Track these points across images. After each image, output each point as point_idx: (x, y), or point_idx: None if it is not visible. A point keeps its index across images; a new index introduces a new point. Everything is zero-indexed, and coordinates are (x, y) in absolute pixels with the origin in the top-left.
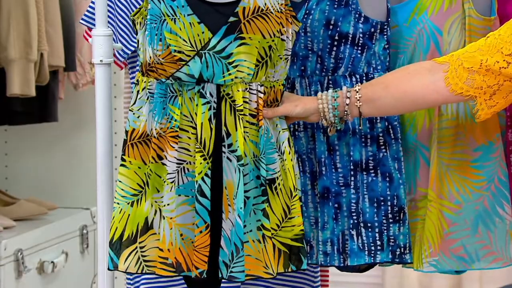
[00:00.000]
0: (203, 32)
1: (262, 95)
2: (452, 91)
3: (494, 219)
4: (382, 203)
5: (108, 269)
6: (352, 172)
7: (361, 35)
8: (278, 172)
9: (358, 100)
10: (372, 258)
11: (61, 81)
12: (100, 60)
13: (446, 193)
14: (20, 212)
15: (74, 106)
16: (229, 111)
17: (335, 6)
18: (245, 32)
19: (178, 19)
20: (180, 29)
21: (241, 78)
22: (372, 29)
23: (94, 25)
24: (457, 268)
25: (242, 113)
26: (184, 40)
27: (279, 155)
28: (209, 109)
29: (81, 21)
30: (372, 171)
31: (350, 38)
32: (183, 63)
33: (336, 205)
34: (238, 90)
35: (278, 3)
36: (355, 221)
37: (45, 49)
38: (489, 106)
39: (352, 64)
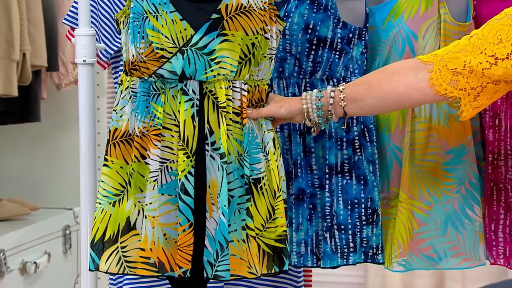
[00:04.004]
0: (185, 29)
1: (246, 94)
2: (436, 92)
3: (463, 221)
4: (356, 206)
5: (90, 269)
6: (327, 175)
7: (339, 40)
8: (264, 172)
9: (343, 99)
10: (344, 260)
11: (43, 81)
12: (83, 60)
13: (417, 193)
14: (2, 212)
15: (56, 106)
16: (212, 109)
17: (314, 10)
18: (227, 29)
19: (160, 16)
20: (162, 26)
21: (223, 75)
22: (350, 35)
23: (77, 25)
24: (426, 268)
25: (225, 110)
26: (166, 37)
27: (264, 155)
28: (192, 106)
29: (64, 21)
30: (347, 174)
31: (328, 43)
32: (165, 60)
33: (310, 206)
34: (221, 87)
35: (262, 1)
36: (329, 224)
37: (27, 49)
38: (474, 107)
39: (329, 68)
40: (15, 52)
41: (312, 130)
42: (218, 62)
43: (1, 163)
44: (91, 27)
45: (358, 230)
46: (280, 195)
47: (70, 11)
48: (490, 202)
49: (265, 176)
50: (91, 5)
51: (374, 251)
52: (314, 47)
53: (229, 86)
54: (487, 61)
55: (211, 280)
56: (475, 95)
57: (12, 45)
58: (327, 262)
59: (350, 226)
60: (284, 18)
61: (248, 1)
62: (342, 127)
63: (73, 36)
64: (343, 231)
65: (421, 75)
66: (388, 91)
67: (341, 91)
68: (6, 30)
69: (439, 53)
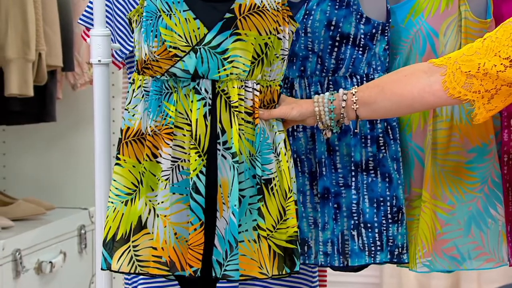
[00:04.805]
0: (198, 28)
1: (258, 94)
2: (450, 95)
3: (487, 220)
4: (382, 204)
5: (102, 269)
6: (352, 173)
7: (362, 36)
8: (275, 172)
9: (355, 102)
10: (372, 259)
11: (59, 81)
12: (98, 60)
13: (440, 193)
14: (18, 212)
15: (72, 106)
16: (224, 108)
17: (336, 6)
18: (241, 28)
19: (174, 15)
20: (176, 25)
21: (236, 74)
22: (374, 30)
23: (92, 25)
24: (449, 268)
25: (237, 109)
26: (179, 36)
27: (275, 156)
28: (204, 105)
29: (79, 21)
30: (372, 171)
31: (351, 39)
32: (178, 58)
33: (335, 205)
34: (234, 87)
35: (275, 2)
36: (356, 222)
37: (43, 49)
38: (488, 110)
39: (353, 65)
40: (31, 52)
41: (323, 133)
42: (231, 62)
43: (16, 163)
44: (106, 27)
45: (384, 228)
46: (291, 196)
47: (86, 11)
48: (506, 203)
49: (276, 177)
50: (106, 5)
51: (400, 250)
52: (337, 44)
53: (242, 86)
54: (501, 64)
55: (223, 280)
56: (489, 98)
57: (28, 45)
58: (355, 260)
59: (376, 225)
60: (306, 16)
61: (262, 1)
62: (355, 130)
63: (88, 36)
64: (369, 229)
65: (434, 78)
66: (401, 94)
67: (353, 94)
68: (22, 30)
69: (452, 56)
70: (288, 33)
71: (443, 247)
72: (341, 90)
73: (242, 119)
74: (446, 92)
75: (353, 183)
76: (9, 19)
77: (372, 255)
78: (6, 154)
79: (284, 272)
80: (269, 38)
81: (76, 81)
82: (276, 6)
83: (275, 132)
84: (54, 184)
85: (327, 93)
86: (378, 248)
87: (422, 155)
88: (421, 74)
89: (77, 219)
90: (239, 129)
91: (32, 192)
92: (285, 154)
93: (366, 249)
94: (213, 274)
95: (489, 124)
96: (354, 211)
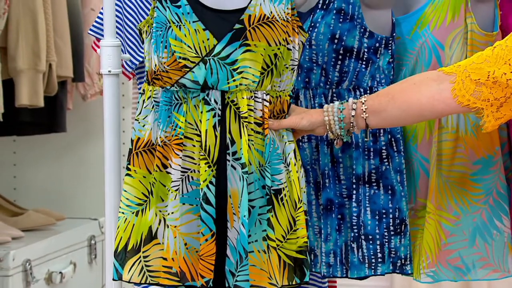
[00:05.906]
0: (208, 39)
1: (267, 104)
2: (459, 102)
3: (492, 232)
4: (384, 216)
5: (113, 279)
6: (354, 185)
7: (365, 50)
8: (284, 183)
9: (364, 111)
10: (372, 271)
11: (69, 92)
12: (109, 71)
13: (445, 204)
14: (29, 222)
15: (82, 117)
16: (233, 119)
17: (341, 20)
18: (250, 39)
19: (184, 26)
20: (185, 36)
21: (246, 85)
22: (377, 44)
23: (102, 35)
24: (454, 279)
25: (246, 120)
26: (189, 47)
27: (285, 166)
28: (214, 116)
29: (89, 31)
30: (375, 184)
31: (355, 53)
32: (188, 69)
33: (339, 217)
34: (243, 98)
35: (285, 12)
36: (356, 234)
37: (53, 60)
38: (496, 118)
39: (356, 78)
40: (42, 63)
41: (334, 142)
42: (241, 72)
43: (27, 174)
44: (116, 37)
45: (386, 240)
46: (301, 206)
47: (96, 22)
48: None
49: (286, 187)
50: (117, 16)
51: (403, 262)
52: (340, 57)
53: (251, 97)
54: (511, 72)
55: None
56: (498, 106)
57: (39, 56)
58: (354, 272)
59: (378, 237)
60: (310, 29)
61: (271, 12)
62: (365, 139)
63: (98, 47)
64: (370, 242)
65: (443, 86)
66: (411, 102)
67: (363, 103)
68: (33, 41)
69: (462, 64)
70: (298, 43)
71: (448, 257)
72: (350, 99)
73: (252, 129)
74: (455, 100)
75: (354, 196)
76: (20, 30)
77: (373, 267)
78: (17, 165)
79: (294, 283)
80: (278, 48)
81: (86, 92)
82: (285, 16)
83: (285, 142)
84: (64, 195)
85: (336, 102)
86: (379, 260)
87: (428, 166)
88: (430, 82)
89: (87, 229)
90: (249, 140)
91: (42, 202)
92: (295, 164)
93: (366, 261)
94: (226, 285)
95: (494, 135)
96: (354, 223)
